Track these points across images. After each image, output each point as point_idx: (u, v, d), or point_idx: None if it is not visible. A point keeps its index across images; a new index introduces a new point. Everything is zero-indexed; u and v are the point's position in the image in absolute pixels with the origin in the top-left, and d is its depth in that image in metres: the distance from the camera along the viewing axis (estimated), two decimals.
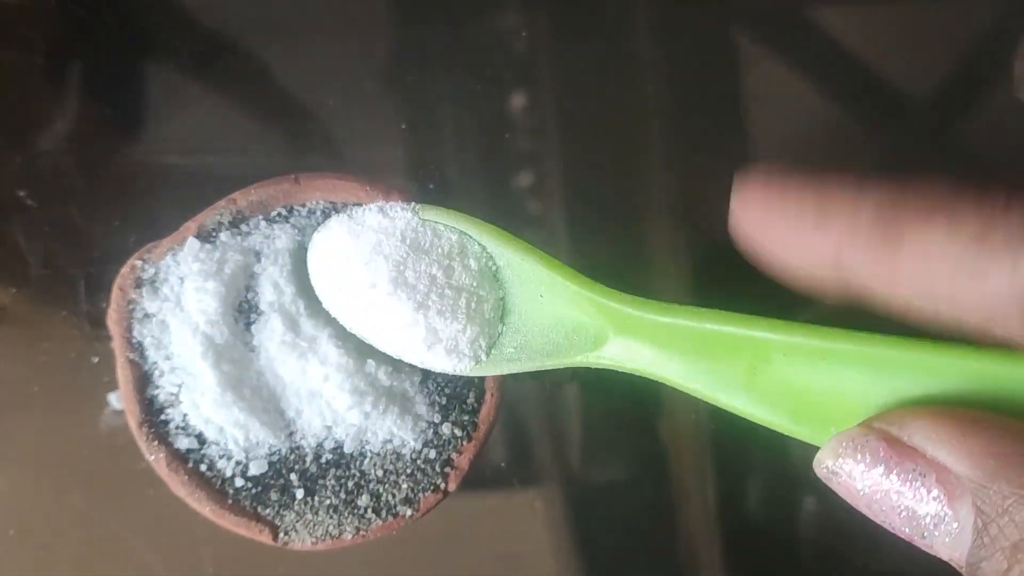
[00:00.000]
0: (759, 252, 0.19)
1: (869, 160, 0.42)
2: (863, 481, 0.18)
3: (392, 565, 0.38)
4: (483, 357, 0.27)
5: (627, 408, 0.39)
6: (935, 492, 0.17)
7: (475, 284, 0.27)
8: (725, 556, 0.40)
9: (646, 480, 0.40)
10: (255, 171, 0.31)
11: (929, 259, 0.15)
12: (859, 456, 0.18)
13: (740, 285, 0.40)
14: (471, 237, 0.27)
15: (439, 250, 0.27)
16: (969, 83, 0.42)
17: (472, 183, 0.41)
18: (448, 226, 0.27)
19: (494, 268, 0.27)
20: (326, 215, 0.30)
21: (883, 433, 0.18)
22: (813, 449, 0.40)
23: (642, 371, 0.24)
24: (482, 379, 0.30)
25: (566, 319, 0.26)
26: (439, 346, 0.27)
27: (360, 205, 0.29)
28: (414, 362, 0.28)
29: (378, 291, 0.27)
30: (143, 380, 0.29)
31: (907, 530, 0.18)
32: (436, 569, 0.39)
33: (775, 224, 0.18)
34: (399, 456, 0.29)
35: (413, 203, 0.28)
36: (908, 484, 0.17)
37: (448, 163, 0.40)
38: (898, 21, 0.43)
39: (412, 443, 0.29)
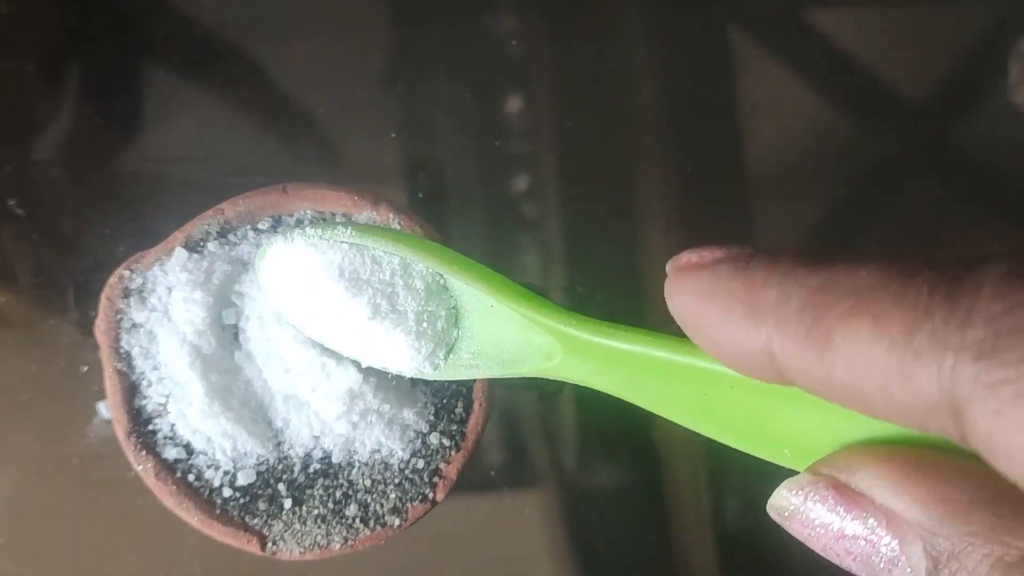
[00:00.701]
0: (693, 338, 0.19)
1: (865, 163, 0.42)
2: (815, 528, 0.18)
3: (384, 573, 0.38)
4: (441, 364, 0.27)
5: (620, 414, 0.39)
6: (886, 539, 0.17)
7: (423, 301, 0.27)
8: (718, 561, 0.40)
9: (639, 486, 0.40)
10: (247, 179, 0.31)
11: (857, 360, 0.15)
12: (809, 504, 0.18)
13: None
14: None
15: (380, 277, 0.26)
16: (965, 87, 0.42)
17: (467, 187, 0.41)
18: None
19: (442, 280, 0.27)
20: (314, 225, 0.30)
21: (831, 480, 0.18)
22: None
23: (594, 386, 0.24)
24: (470, 390, 0.30)
25: (517, 331, 0.26)
26: (393, 360, 0.27)
27: (296, 232, 0.28)
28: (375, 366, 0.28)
29: (325, 328, 0.27)
30: (131, 390, 0.29)
31: (863, 573, 0.18)
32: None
33: (705, 314, 0.18)
34: (387, 466, 0.29)
35: (350, 229, 0.27)
36: (860, 529, 0.17)
37: (443, 167, 0.40)
38: (894, 25, 0.43)
39: (400, 453, 0.29)
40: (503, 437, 0.39)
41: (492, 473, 0.39)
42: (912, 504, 0.16)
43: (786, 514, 0.19)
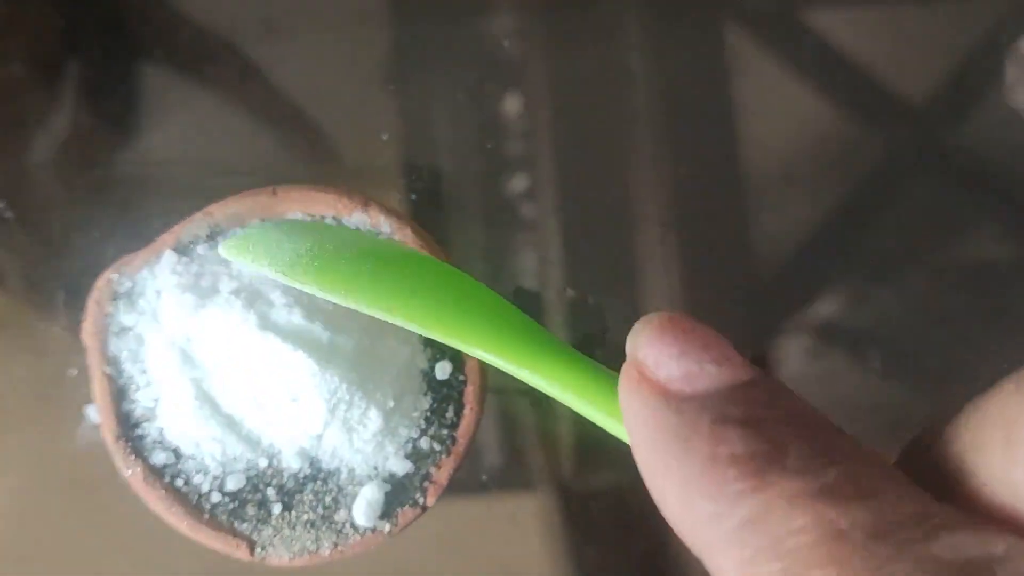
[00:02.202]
0: None
1: (862, 164, 0.42)
2: None
3: None
4: None
5: None
6: None
7: None
8: None
9: (636, 487, 0.40)
10: (238, 180, 0.30)
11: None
12: None
13: (729, 291, 0.40)
14: None
15: None
16: (962, 88, 0.42)
17: (462, 188, 0.41)
18: None
19: None
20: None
21: None
22: None
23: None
24: (461, 393, 0.29)
25: None
26: None
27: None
28: None
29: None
30: (119, 394, 0.29)
31: None
32: None
33: (647, 464, 0.16)
34: (377, 471, 0.29)
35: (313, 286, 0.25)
36: None
37: (438, 168, 0.40)
38: (891, 26, 0.43)
39: (391, 458, 0.29)
40: (497, 441, 0.39)
41: (485, 477, 0.39)
42: None
43: None
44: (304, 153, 0.40)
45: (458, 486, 0.30)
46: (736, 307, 0.40)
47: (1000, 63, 0.41)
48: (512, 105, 0.41)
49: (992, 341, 0.40)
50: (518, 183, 0.41)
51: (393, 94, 0.40)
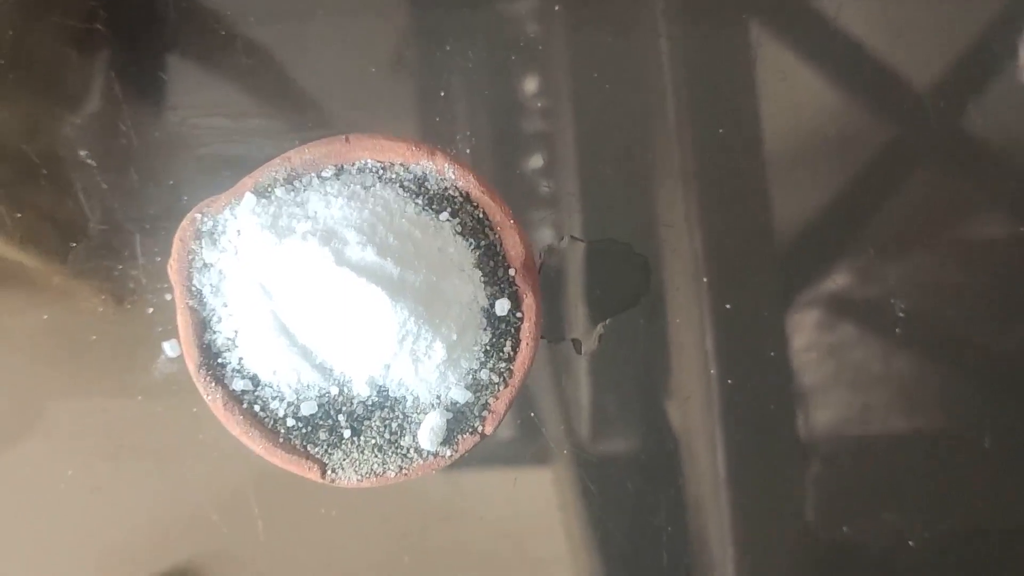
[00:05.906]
0: None
1: (876, 142, 0.42)
2: None
3: (400, 548, 0.39)
4: None
5: (636, 382, 0.40)
6: None
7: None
8: (734, 527, 0.40)
9: (655, 452, 0.40)
10: (288, 136, 0.31)
11: None
12: None
13: (750, 262, 0.41)
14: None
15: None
16: (976, 69, 0.42)
17: (486, 162, 0.41)
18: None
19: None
20: (375, 173, 0.32)
21: None
22: (821, 418, 0.39)
23: None
24: (518, 329, 0.31)
25: None
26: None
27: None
28: None
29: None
30: (201, 326, 0.31)
31: None
32: (440, 543, 0.40)
33: None
34: (440, 399, 0.31)
35: None
36: None
37: (462, 142, 0.41)
38: (905, 8, 0.43)
39: (452, 388, 0.31)
40: (517, 408, 0.40)
41: (507, 443, 0.40)
42: None
43: None
44: (327, 130, 0.41)
45: (479, 453, 0.31)
46: (755, 275, 0.41)
47: (1014, 44, 0.42)
48: (536, 81, 0.42)
49: (999, 315, 0.41)
50: (541, 157, 0.42)
51: (414, 75, 0.41)
